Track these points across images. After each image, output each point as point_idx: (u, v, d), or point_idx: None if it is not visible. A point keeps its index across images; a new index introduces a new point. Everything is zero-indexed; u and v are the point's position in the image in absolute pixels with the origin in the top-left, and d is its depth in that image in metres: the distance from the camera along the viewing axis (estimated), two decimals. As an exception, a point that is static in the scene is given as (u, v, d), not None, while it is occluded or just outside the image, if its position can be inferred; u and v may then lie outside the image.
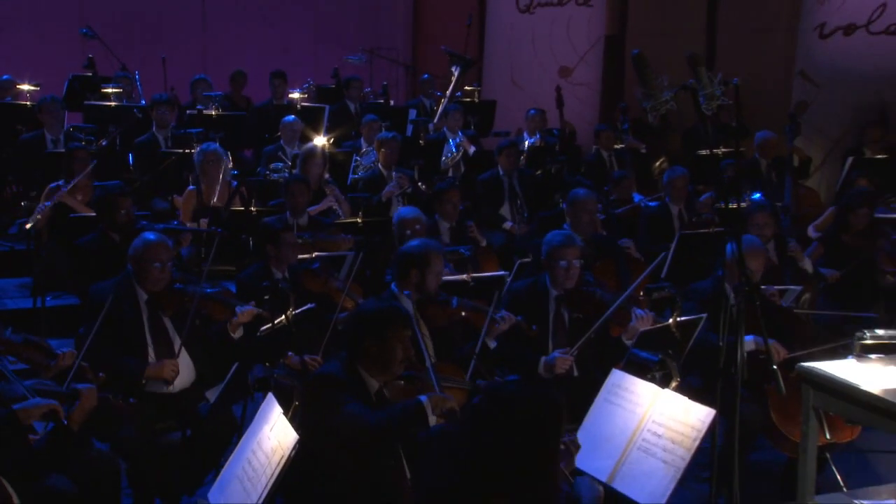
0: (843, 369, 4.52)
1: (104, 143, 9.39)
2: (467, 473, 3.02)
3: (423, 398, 4.04)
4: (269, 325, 5.24)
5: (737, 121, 10.47)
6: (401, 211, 7.10)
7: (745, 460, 6.04)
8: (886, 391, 4.23)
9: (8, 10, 12.70)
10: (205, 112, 9.86)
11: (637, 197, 9.21)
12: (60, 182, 7.72)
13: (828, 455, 5.71)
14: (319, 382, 4.15)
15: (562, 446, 3.64)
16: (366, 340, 4.20)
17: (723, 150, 10.14)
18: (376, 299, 5.13)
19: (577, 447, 3.80)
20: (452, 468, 3.09)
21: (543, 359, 5.52)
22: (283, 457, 3.38)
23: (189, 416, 5.33)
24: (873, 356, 4.69)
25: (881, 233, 7.53)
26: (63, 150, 8.37)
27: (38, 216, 7.41)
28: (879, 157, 9.58)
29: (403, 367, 4.29)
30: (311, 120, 9.80)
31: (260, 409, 3.78)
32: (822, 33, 10.62)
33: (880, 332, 4.86)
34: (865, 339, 4.82)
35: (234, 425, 5.19)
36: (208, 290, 5.46)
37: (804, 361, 4.76)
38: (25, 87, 10.25)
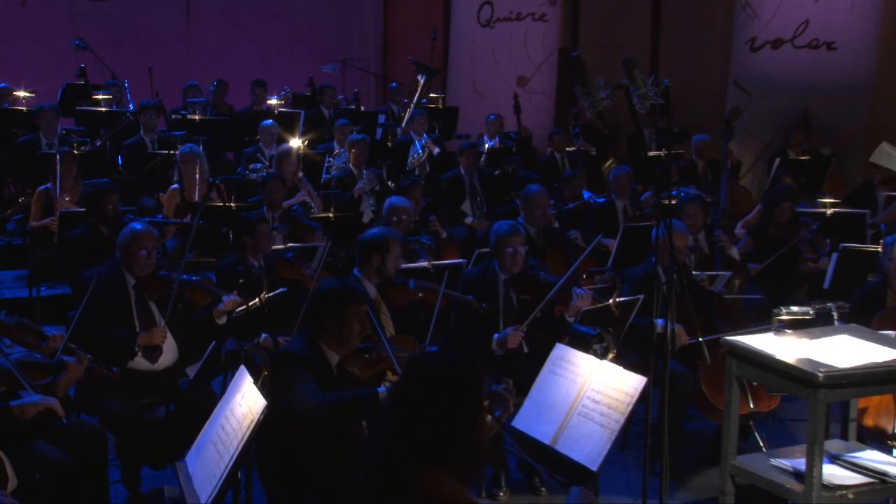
0: (762, 342, 4.55)
1: (98, 144, 9.41)
2: (396, 443, 2.89)
3: (382, 389, 4.10)
4: (244, 306, 5.28)
5: (668, 121, 10.51)
6: (393, 199, 7.12)
7: (681, 429, 6.16)
8: (799, 360, 4.28)
9: (7, 24, 12.66)
10: (188, 117, 9.87)
11: (587, 194, 9.29)
12: (48, 185, 7.74)
13: (751, 423, 5.83)
14: (282, 359, 4.18)
15: (497, 395, 3.67)
16: (325, 317, 4.23)
17: (664, 152, 10.27)
18: (334, 280, 5.18)
19: (512, 392, 3.79)
20: (386, 440, 2.95)
21: (496, 336, 5.59)
22: (252, 421, 3.39)
23: (172, 391, 5.37)
24: (789, 330, 4.77)
25: (802, 224, 7.66)
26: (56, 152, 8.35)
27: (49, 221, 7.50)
28: (802, 158, 9.71)
29: (360, 340, 4.30)
30: (287, 124, 9.81)
31: (233, 380, 3.80)
32: (753, 47, 10.73)
33: (795, 308, 4.95)
34: (782, 314, 4.92)
35: (214, 399, 5.19)
36: (190, 278, 5.50)
37: (731, 338, 4.85)
38: (22, 93, 10.22)
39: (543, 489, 5.60)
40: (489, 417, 3.51)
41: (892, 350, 4.45)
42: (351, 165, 8.90)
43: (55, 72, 11.58)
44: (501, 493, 5.53)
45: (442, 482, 2.81)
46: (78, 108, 10.14)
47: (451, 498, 2.81)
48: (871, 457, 4.57)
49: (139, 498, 5.27)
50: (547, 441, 4.25)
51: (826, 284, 6.90)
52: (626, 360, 4.78)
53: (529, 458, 4.45)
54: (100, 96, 10.27)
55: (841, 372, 4.22)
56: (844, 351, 4.45)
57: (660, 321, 5.52)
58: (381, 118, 11.07)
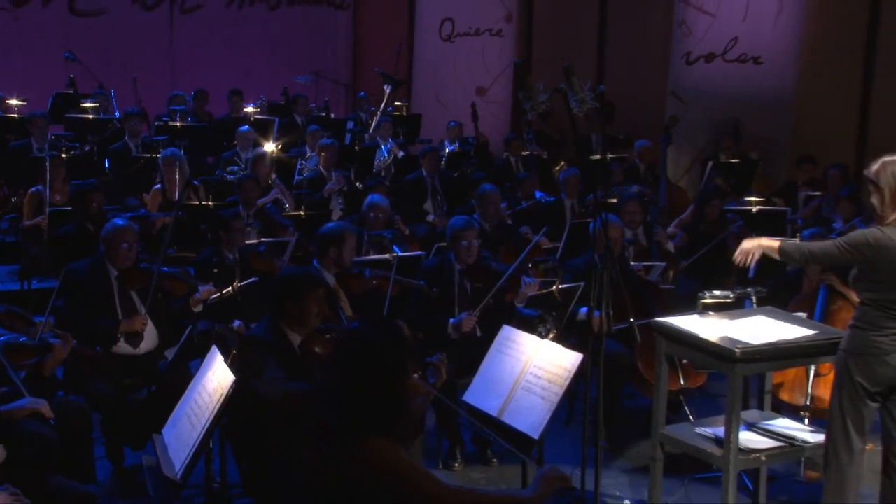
0: (688, 323, 4.64)
1: (86, 149, 9.40)
2: (336, 413, 2.87)
3: None
4: (218, 294, 5.31)
5: (609, 127, 10.68)
6: (374, 197, 7.15)
7: (620, 405, 6.26)
8: (719, 338, 4.39)
9: (1, 37, 12.53)
10: (170, 123, 9.86)
11: (538, 194, 9.38)
12: (39, 187, 7.72)
13: (682, 398, 5.94)
14: (249, 344, 4.20)
15: (430, 366, 3.73)
16: (285, 301, 4.26)
17: (610, 155, 10.39)
18: (293, 267, 5.20)
19: (444, 363, 3.85)
20: (326, 412, 2.93)
21: (451, 321, 5.66)
22: (222, 395, 3.44)
23: (153, 373, 5.38)
24: (712, 313, 4.89)
25: (731, 221, 7.79)
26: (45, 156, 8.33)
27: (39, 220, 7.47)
28: (733, 161, 9.83)
29: (319, 321, 4.32)
30: (262, 130, 9.83)
31: (205, 359, 3.85)
32: (689, 61, 10.78)
33: (717, 292, 5.07)
34: (706, 298, 5.04)
35: (190, 379, 5.20)
36: (168, 270, 5.52)
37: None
38: (14, 101, 10.13)
39: (495, 460, 5.67)
40: (425, 385, 3.60)
41: (802, 329, 4.58)
42: (321, 168, 8.92)
43: (46, 82, 11.48)
44: (457, 465, 5.59)
45: (383, 448, 2.84)
46: (67, 115, 10.11)
47: (393, 463, 2.82)
48: (782, 424, 4.70)
49: (123, 472, 5.28)
50: (494, 413, 4.33)
51: (750, 274, 6.99)
52: (569, 342, 4.89)
53: (483, 429, 4.54)
54: (87, 104, 10.23)
55: (755, 348, 4.34)
56: (759, 330, 4.56)
57: (583, 309, 5.66)
58: (350, 125, 11.11)
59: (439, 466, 5.58)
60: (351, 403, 2.84)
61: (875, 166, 4.19)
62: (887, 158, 4.19)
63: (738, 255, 4.68)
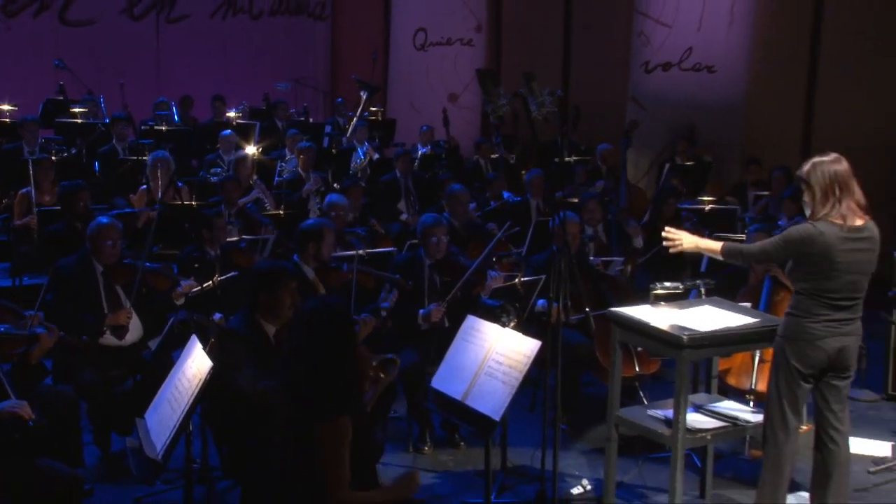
0: (640, 312, 4.71)
1: (74, 152, 9.35)
2: (295, 385, 3.10)
3: None
4: (199, 287, 5.33)
5: (562, 125, 10.70)
6: (332, 196, 7.16)
7: (580, 392, 6.33)
8: (669, 326, 4.46)
9: (-8, 45, 12.49)
10: (156, 127, 9.85)
11: (506, 194, 9.44)
12: (30, 188, 7.69)
13: (637, 384, 6.00)
14: (226, 337, 4.19)
15: (387, 361, 3.83)
16: (259, 294, 4.26)
17: (574, 158, 10.46)
18: (266, 261, 5.22)
19: (397, 363, 3.92)
20: (287, 385, 3.17)
21: (421, 311, 5.69)
22: (200, 380, 3.47)
23: (138, 363, 5.39)
24: (663, 303, 4.97)
25: (685, 218, 7.88)
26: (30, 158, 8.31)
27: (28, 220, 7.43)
28: (688, 164, 9.93)
29: (292, 312, 4.28)
30: (244, 134, 9.80)
31: (185, 348, 3.87)
32: (647, 69, 10.85)
33: (668, 284, 5.15)
34: (657, 289, 5.12)
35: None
36: (152, 265, 5.54)
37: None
38: (6, 107, 10.06)
39: (462, 443, 5.72)
40: (381, 376, 3.69)
41: (745, 317, 4.67)
42: (300, 169, 8.93)
43: (37, 88, 11.39)
44: (426, 448, 5.64)
45: (341, 428, 3.00)
46: (57, 120, 10.05)
47: (335, 446, 3.01)
48: (728, 406, 4.78)
49: (109, 457, 5.29)
50: (459, 397, 4.38)
51: (703, 268, 7.12)
52: (530, 332, 4.95)
53: (449, 416, 4.60)
54: (76, 109, 10.18)
55: (701, 335, 4.41)
56: (706, 318, 4.63)
57: (540, 301, 5.72)
58: (328, 129, 11.09)
59: (410, 450, 5.64)
60: (307, 369, 3.00)
61: (806, 167, 4.28)
62: (817, 159, 4.28)
63: (668, 236, 4.69)
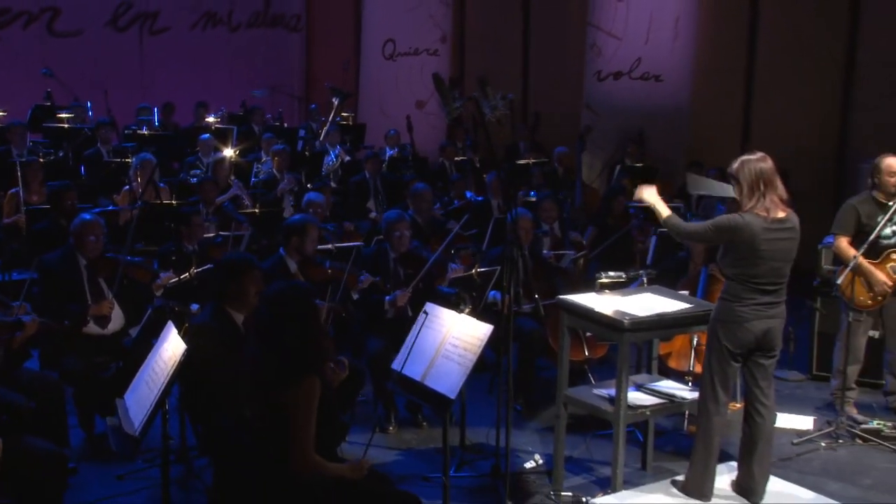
0: (586, 299, 4.82)
1: (61, 155, 9.30)
2: (264, 358, 3.24)
3: None
4: (177, 279, 5.35)
5: (525, 126, 10.79)
6: (311, 195, 7.22)
7: (535, 377, 6.38)
8: (612, 311, 4.58)
9: (-18, 54, 12.38)
10: (138, 132, 9.81)
11: (469, 194, 9.51)
12: (18, 188, 7.65)
13: (586, 367, 6.11)
14: (195, 331, 4.14)
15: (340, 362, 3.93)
16: (227, 284, 4.27)
17: (532, 160, 10.55)
18: (231, 252, 5.24)
19: (347, 364, 3.99)
20: (257, 360, 3.29)
21: (387, 298, 5.75)
22: (175, 362, 3.51)
23: (119, 351, 5.42)
24: (608, 291, 5.07)
25: (634, 215, 8.00)
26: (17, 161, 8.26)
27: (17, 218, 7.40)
28: (637, 165, 10.05)
29: (257, 301, 4.24)
30: (222, 138, 9.80)
31: (162, 333, 3.89)
32: (599, 78, 10.95)
33: (612, 273, 5.26)
34: (602, 278, 5.23)
35: (153, 354, 5.27)
36: (132, 259, 5.55)
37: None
38: (-4, 112, 10.03)
39: (425, 423, 5.78)
40: (337, 372, 3.80)
41: (682, 304, 4.79)
42: (275, 171, 8.95)
43: (26, 95, 11.31)
44: (391, 428, 5.71)
45: (310, 386, 3.11)
46: (44, 124, 9.99)
47: (306, 400, 3.17)
48: (666, 385, 4.90)
49: (93, 439, 5.31)
50: (418, 378, 4.43)
51: (649, 261, 7.25)
52: (487, 320, 5.01)
53: (410, 395, 4.66)
54: (63, 115, 10.12)
55: (641, 319, 4.53)
56: (646, 304, 4.75)
57: (492, 293, 5.80)
58: (302, 132, 11.13)
59: (376, 430, 5.66)
60: (279, 350, 3.13)
61: (736, 165, 4.41)
62: (745, 158, 4.41)
63: (638, 194, 4.77)
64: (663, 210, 4.63)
